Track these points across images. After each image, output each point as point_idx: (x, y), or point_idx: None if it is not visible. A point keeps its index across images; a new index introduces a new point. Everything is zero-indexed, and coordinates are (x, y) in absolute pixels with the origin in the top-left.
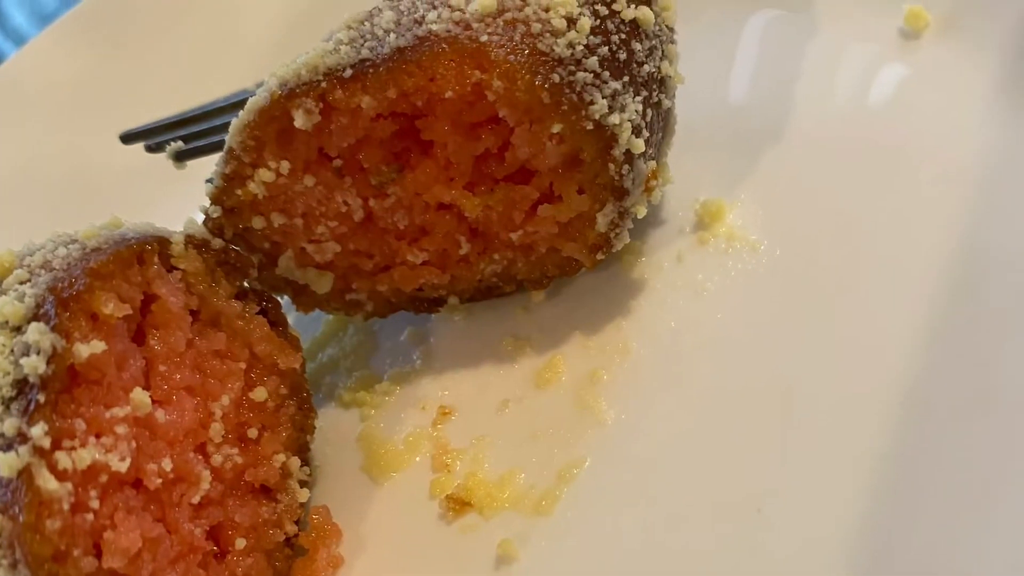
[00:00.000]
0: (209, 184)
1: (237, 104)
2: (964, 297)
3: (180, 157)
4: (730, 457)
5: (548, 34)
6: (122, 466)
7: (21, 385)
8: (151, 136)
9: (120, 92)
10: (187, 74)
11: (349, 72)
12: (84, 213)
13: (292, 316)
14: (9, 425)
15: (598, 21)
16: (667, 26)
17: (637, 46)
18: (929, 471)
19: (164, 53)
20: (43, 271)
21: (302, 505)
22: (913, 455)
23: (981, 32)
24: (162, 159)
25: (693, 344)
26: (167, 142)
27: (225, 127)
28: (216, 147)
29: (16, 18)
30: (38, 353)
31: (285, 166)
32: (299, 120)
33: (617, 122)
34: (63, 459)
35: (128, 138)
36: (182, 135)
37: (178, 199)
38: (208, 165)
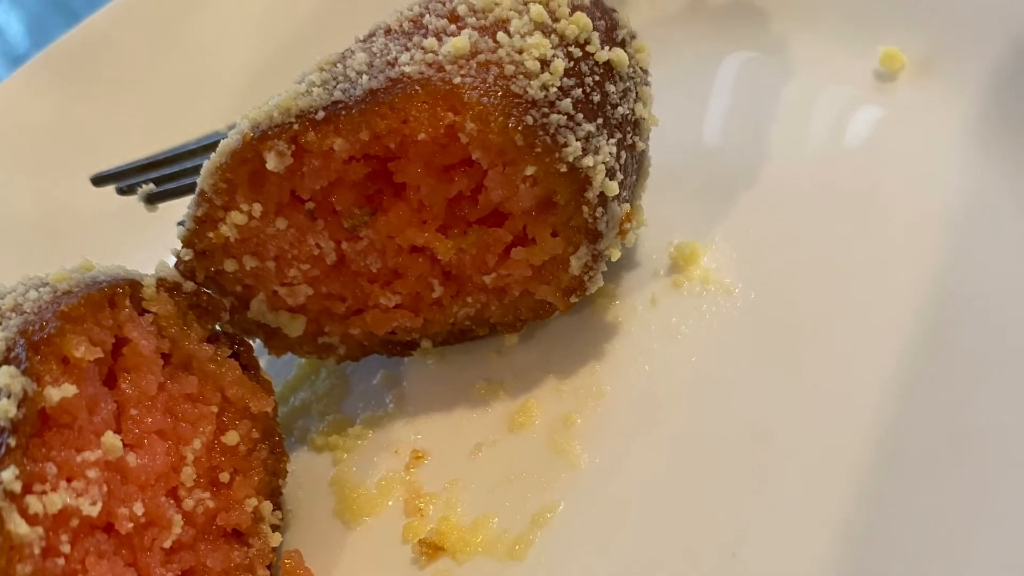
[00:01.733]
0: (181, 227)
1: (209, 146)
2: (937, 341)
3: (151, 200)
4: (704, 502)
5: (521, 76)
6: (93, 510)
7: None
8: (122, 178)
9: (91, 134)
10: (159, 116)
11: (321, 114)
12: (55, 256)
13: (264, 359)
14: None
15: (572, 63)
16: (641, 68)
17: (611, 88)
18: (903, 516)
19: (136, 95)
20: (14, 314)
21: (274, 550)
22: (887, 500)
23: (957, 75)
24: (133, 201)
25: (667, 388)
26: (138, 184)
27: (197, 169)
28: (188, 190)
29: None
30: (9, 396)
31: (257, 209)
32: (271, 162)
33: (591, 164)
34: (34, 503)
35: (99, 180)
36: (153, 177)
37: (150, 242)
38: (180, 208)
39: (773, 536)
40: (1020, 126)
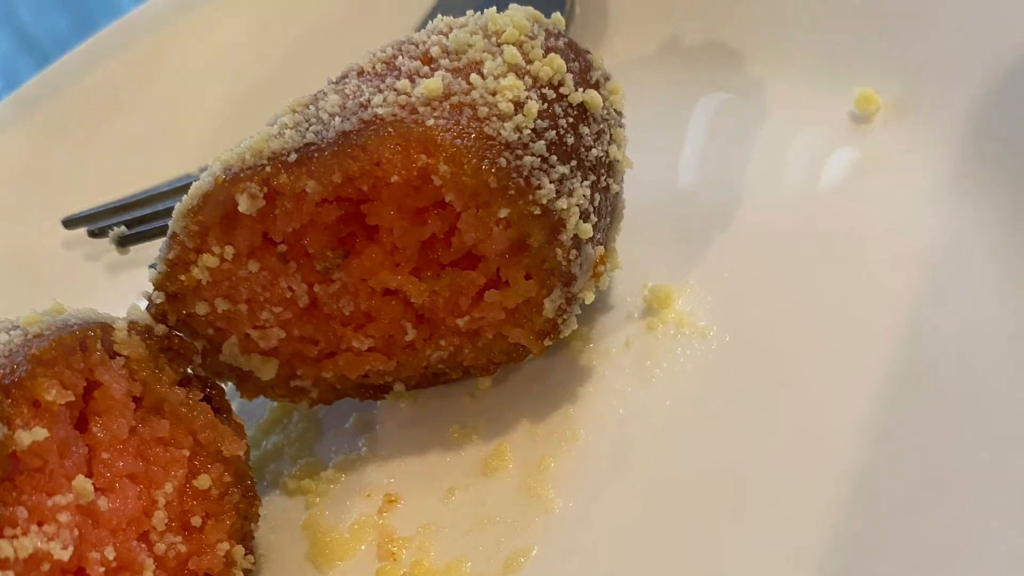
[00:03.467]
0: (152, 270)
1: (180, 189)
2: (913, 384)
3: (123, 243)
4: (677, 546)
5: (495, 118)
6: (64, 555)
7: None
8: (93, 221)
9: (63, 177)
10: (130, 159)
11: (294, 156)
12: (26, 298)
13: (237, 403)
14: None
15: (546, 105)
16: (615, 110)
17: (585, 130)
18: (879, 561)
19: (107, 137)
20: None
21: None
22: (863, 544)
23: (931, 117)
24: (105, 244)
25: (641, 431)
26: (110, 227)
27: (168, 212)
28: (159, 232)
29: None
30: None
31: (229, 251)
32: (243, 205)
33: (564, 207)
34: (5, 547)
35: (71, 223)
36: (125, 220)
37: (121, 285)
38: (152, 250)
39: None
40: (994, 167)
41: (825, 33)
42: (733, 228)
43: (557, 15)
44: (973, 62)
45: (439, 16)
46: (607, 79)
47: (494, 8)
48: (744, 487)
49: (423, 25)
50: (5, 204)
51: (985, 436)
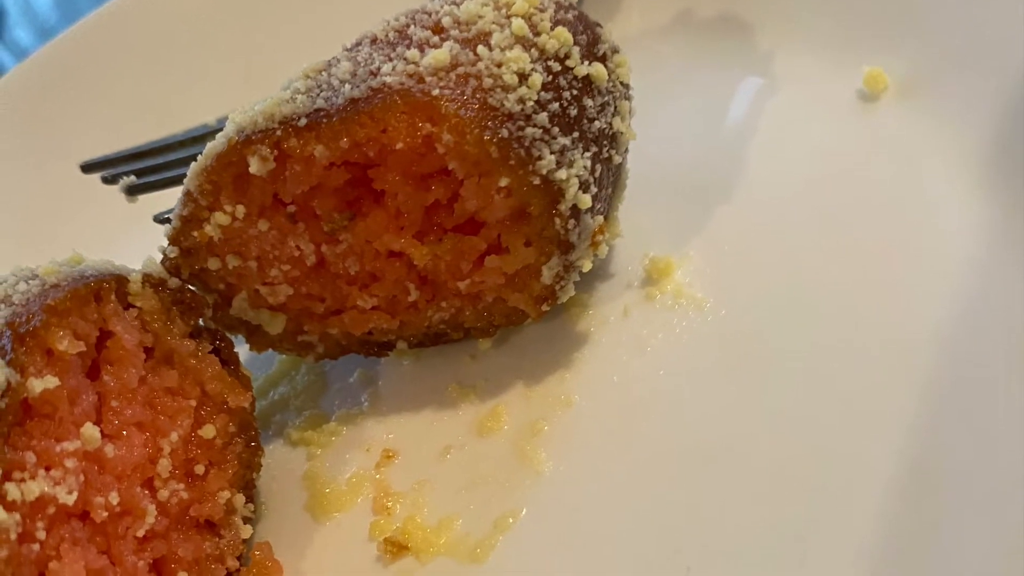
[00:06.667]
0: (168, 225)
1: (197, 138)
2: (906, 363)
3: (132, 192)
4: (663, 514)
5: (499, 89)
6: (70, 499)
7: None
8: (110, 167)
9: (89, 126)
10: (152, 108)
11: (304, 121)
12: (48, 247)
13: (247, 354)
14: None
15: (550, 77)
16: (621, 82)
17: (589, 102)
18: (863, 532)
19: (131, 86)
20: (3, 305)
21: (245, 541)
22: (851, 515)
23: (938, 96)
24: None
25: (634, 399)
26: (124, 174)
27: (183, 161)
28: (167, 183)
29: (16, 31)
30: None
31: (240, 210)
32: (254, 166)
33: (564, 177)
34: (12, 490)
35: (88, 168)
36: (140, 168)
37: (139, 238)
38: (170, 201)
39: (729, 552)
40: (998, 146)
41: (836, 11)
42: (736, 202)
43: None
44: (979, 44)
45: None
46: (615, 52)
47: None
48: (730, 459)
49: None
50: (33, 152)
51: (974, 422)
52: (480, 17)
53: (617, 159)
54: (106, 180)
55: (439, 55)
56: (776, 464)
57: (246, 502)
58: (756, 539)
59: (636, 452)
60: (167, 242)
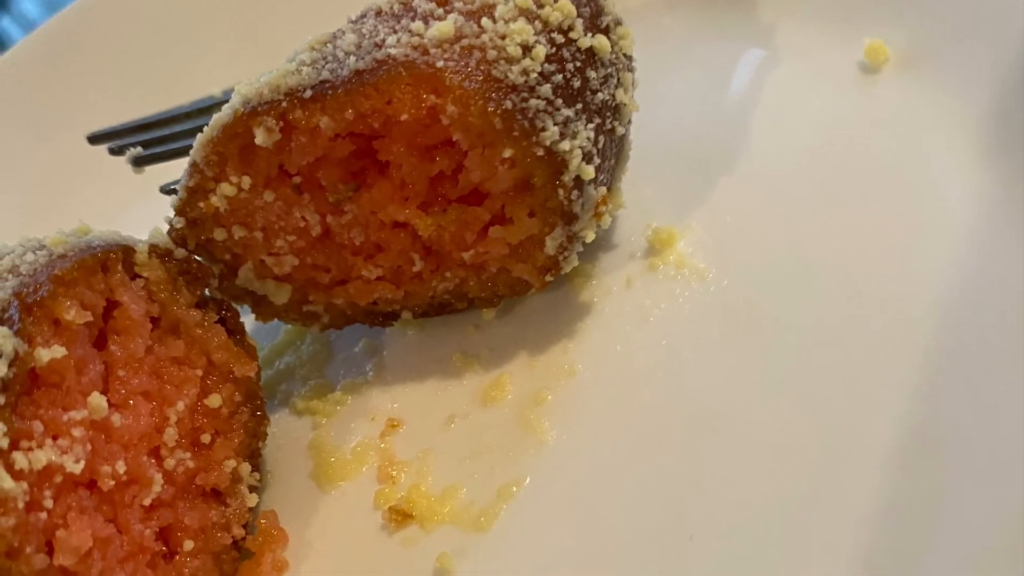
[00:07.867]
0: (174, 195)
1: (203, 110)
2: (907, 333)
3: (138, 163)
4: (666, 484)
5: (503, 61)
6: (77, 468)
7: None
8: (118, 138)
9: (98, 97)
10: (159, 79)
11: (309, 93)
12: (58, 217)
13: (253, 324)
14: None
15: (554, 49)
16: (624, 54)
17: (592, 74)
18: (865, 504)
19: (138, 58)
20: (10, 275)
21: (251, 509)
22: (852, 484)
23: (939, 69)
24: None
25: (637, 370)
26: (130, 146)
27: (189, 132)
28: (173, 154)
29: (24, 3)
30: (0, 356)
31: (246, 181)
32: (260, 137)
33: (568, 149)
34: (20, 459)
35: (95, 139)
36: (147, 139)
37: (146, 209)
38: (176, 173)
39: (732, 522)
40: (999, 117)
41: None
42: (738, 173)
43: None
44: (980, 16)
45: None
46: (618, 24)
47: None
48: (731, 429)
49: None
50: (41, 124)
51: (974, 391)
52: None
53: (620, 130)
54: (113, 151)
55: (443, 27)
56: (778, 433)
57: (252, 471)
58: (758, 508)
59: (639, 421)
60: (173, 213)
